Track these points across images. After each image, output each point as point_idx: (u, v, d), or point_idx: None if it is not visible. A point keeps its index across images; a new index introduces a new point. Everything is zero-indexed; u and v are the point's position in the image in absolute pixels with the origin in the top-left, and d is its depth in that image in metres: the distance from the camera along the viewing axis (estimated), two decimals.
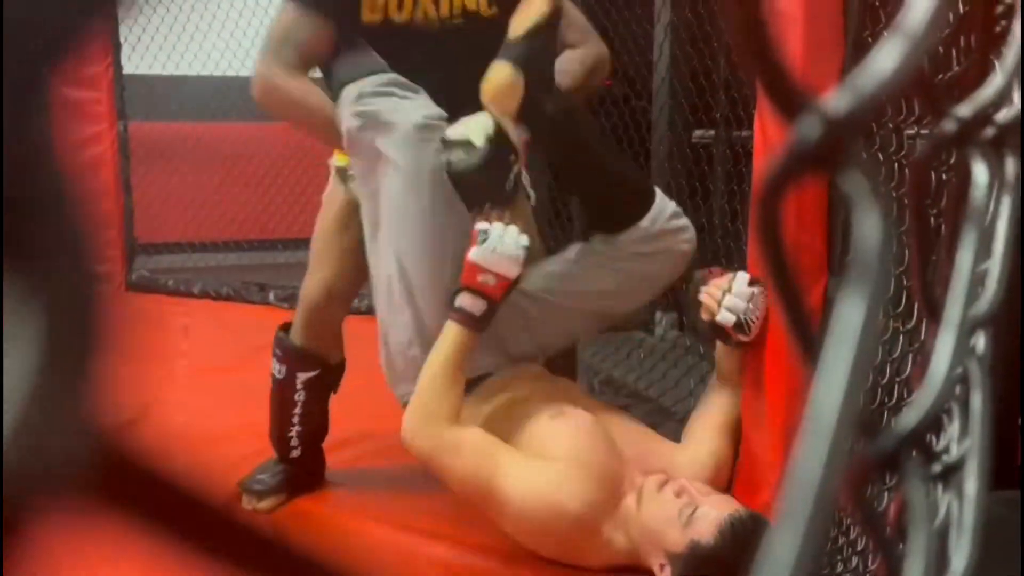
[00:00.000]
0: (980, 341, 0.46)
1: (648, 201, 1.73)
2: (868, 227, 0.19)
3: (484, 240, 1.55)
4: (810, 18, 1.49)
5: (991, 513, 1.80)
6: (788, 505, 0.17)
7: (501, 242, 1.55)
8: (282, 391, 1.84)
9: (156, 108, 4.43)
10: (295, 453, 1.85)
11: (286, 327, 1.89)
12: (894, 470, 0.34)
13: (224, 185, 4.50)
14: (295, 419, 1.84)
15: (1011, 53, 0.45)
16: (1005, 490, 2.03)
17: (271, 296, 3.55)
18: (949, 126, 0.32)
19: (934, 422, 0.36)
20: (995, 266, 0.47)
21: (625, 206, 1.72)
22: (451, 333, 1.56)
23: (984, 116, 0.34)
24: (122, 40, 4.09)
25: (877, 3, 1.60)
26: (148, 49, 4.51)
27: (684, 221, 1.78)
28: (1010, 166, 0.47)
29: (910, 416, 0.36)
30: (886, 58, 0.19)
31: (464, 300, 1.56)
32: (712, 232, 2.76)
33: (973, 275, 0.43)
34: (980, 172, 0.32)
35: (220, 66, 4.44)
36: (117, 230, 4.09)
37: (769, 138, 1.57)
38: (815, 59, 1.54)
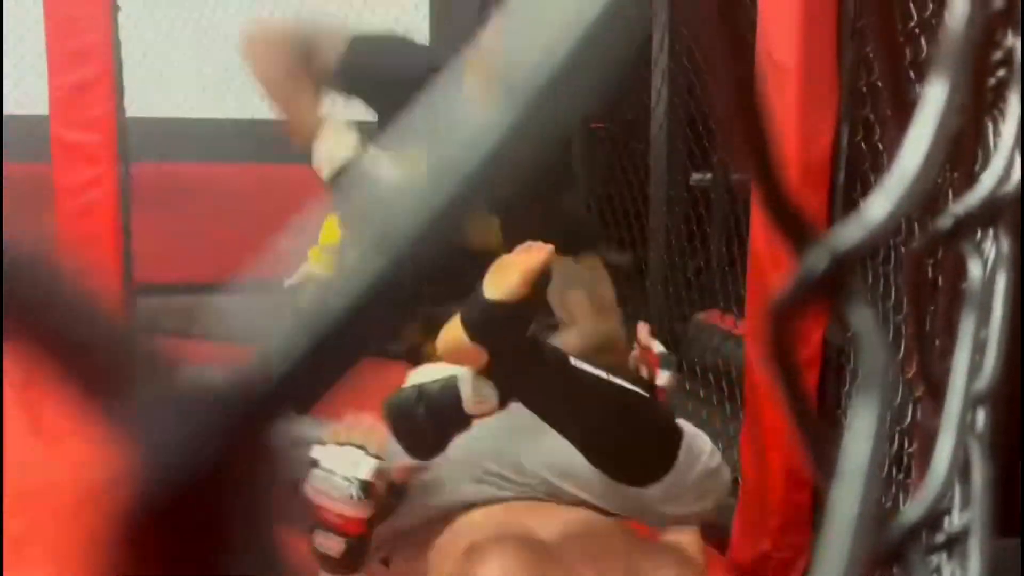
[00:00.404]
0: (980, 417, 0.46)
1: (670, 449, 1.37)
2: (872, 352, 0.20)
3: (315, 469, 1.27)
4: (806, 70, 1.51)
5: (997, 566, 1.78)
6: None
7: (329, 478, 1.26)
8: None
9: (159, 149, 4.46)
10: None
11: None
12: (898, 562, 0.34)
13: (226, 226, 4.52)
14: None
15: (1009, 124, 0.46)
16: (1007, 538, 2.03)
17: None
18: (944, 222, 0.32)
19: (938, 516, 0.37)
20: (992, 344, 0.47)
21: (639, 457, 1.38)
22: None
23: (981, 210, 0.34)
24: (125, 83, 4.13)
25: (871, 54, 1.63)
26: (152, 91, 4.55)
27: (718, 460, 1.46)
28: (1005, 245, 0.48)
29: (914, 511, 0.36)
30: (888, 197, 0.20)
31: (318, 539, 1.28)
32: (710, 275, 2.77)
33: (972, 361, 0.44)
34: (975, 266, 0.33)
35: (221, 108, 4.48)
36: (116, 272, 4.10)
37: None
38: (810, 109, 1.56)
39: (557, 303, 1.55)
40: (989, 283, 0.43)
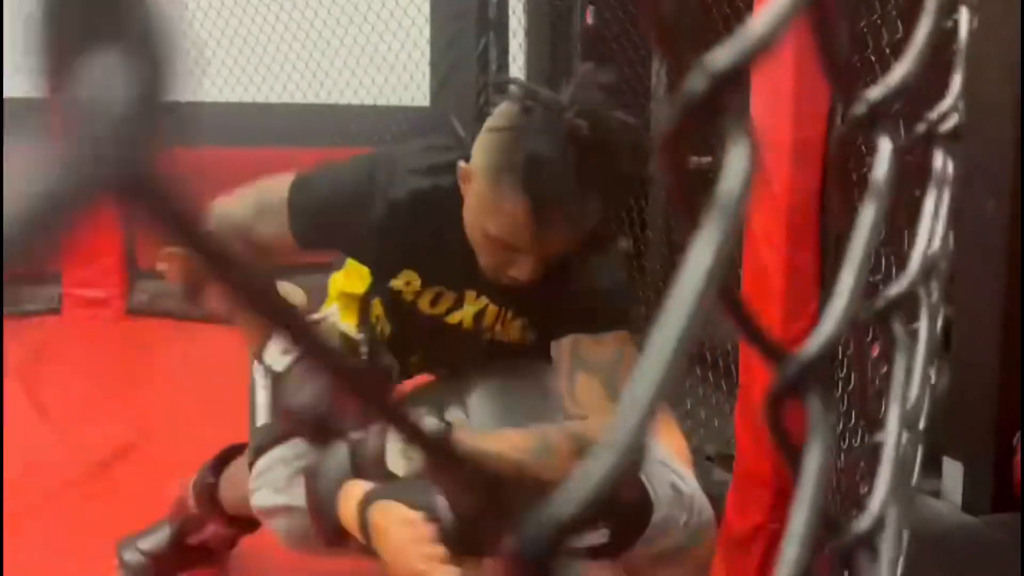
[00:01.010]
0: (904, 439, 0.49)
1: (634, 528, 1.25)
2: (735, 166, 0.21)
3: None
4: (800, 61, 1.53)
5: (991, 537, 1.80)
6: (615, 425, 0.19)
7: None
8: (193, 517, 1.57)
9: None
10: (189, 544, 1.61)
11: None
12: (850, 565, 0.39)
13: None
14: (205, 532, 1.59)
15: (924, 26, 0.46)
16: (1002, 513, 2.04)
17: None
18: (860, 109, 0.33)
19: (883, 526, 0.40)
20: (916, 381, 0.51)
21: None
22: None
23: (893, 98, 0.35)
24: None
25: (864, 30, 1.62)
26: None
27: (708, 515, 1.34)
28: (942, 162, 0.51)
29: (864, 521, 0.39)
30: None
31: None
32: None
33: (903, 397, 0.46)
34: (885, 147, 0.33)
35: (224, 92, 4.49)
36: (118, 256, 4.11)
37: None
38: (805, 97, 1.57)
39: (566, 389, 1.30)
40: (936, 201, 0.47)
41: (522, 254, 1.21)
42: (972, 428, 2.13)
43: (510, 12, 3.83)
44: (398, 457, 1.20)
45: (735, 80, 0.20)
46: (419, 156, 1.34)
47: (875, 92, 0.32)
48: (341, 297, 1.51)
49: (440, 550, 1.09)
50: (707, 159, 3.06)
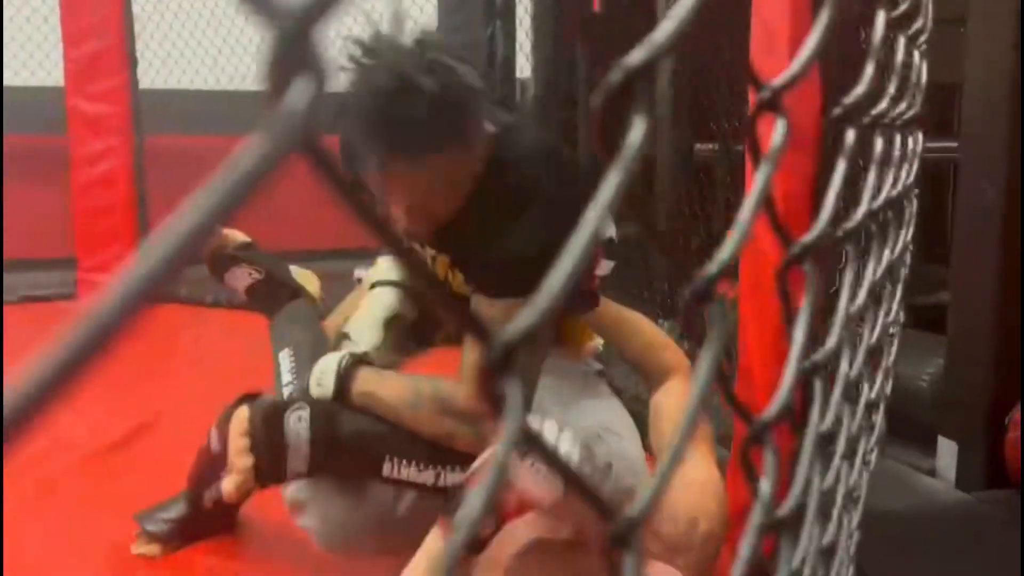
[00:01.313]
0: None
1: None
2: (634, 134, 0.25)
3: None
4: (794, 37, 1.57)
5: (991, 516, 1.85)
6: None
7: None
8: (212, 463, 1.60)
9: (172, 122, 4.52)
10: (206, 506, 1.67)
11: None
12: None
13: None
14: (215, 487, 1.61)
15: (821, 19, 0.50)
16: (995, 490, 2.09)
17: None
18: (765, 94, 0.38)
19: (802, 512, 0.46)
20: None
21: None
22: None
23: (791, 84, 0.41)
24: (139, 56, 4.18)
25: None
26: (164, 64, 4.61)
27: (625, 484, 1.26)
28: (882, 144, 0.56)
29: (785, 508, 0.45)
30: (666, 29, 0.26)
31: None
32: (711, 241, 2.81)
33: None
34: (781, 124, 0.38)
35: (234, 81, 4.53)
36: (131, 242, 4.17)
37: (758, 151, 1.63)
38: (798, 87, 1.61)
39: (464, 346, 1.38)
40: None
41: (396, 210, 1.28)
42: (966, 408, 2.17)
43: (517, 0, 3.87)
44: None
45: (644, 74, 0.25)
46: None
47: (779, 80, 0.37)
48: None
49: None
50: (711, 146, 3.10)
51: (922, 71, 0.96)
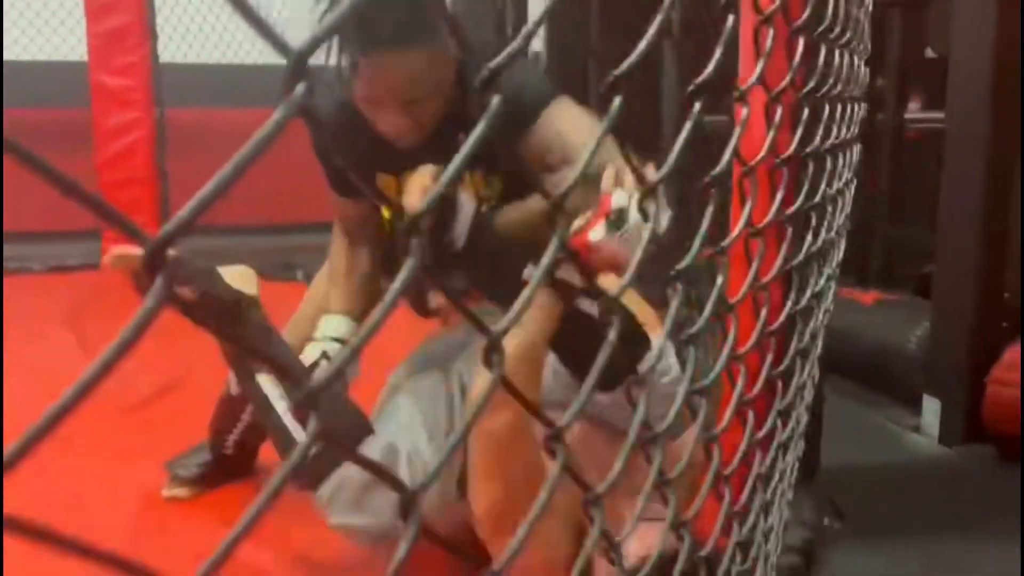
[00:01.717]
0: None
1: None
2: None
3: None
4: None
5: (969, 468, 1.99)
6: None
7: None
8: (231, 406, 1.77)
9: (192, 95, 4.63)
10: (227, 451, 1.83)
11: None
12: None
13: (259, 170, 4.68)
14: (236, 430, 1.80)
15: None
16: (976, 444, 2.20)
17: (298, 274, 3.79)
18: (609, 79, 0.49)
19: None
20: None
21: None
22: None
23: (630, 70, 0.51)
24: (159, 30, 4.29)
25: None
26: (184, 38, 4.71)
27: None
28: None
29: None
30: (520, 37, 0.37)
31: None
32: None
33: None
34: (616, 101, 0.49)
35: (252, 55, 4.62)
36: (153, 214, 4.29)
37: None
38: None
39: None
40: None
41: (385, 109, 1.37)
42: (949, 368, 2.27)
43: None
44: None
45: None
46: None
47: (622, 67, 0.48)
48: None
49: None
50: (721, 117, 3.18)
51: (841, 61, 1.11)
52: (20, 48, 4.64)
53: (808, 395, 1.57)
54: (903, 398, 2.50)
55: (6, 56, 4.51)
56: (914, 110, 3.42)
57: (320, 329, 1.65)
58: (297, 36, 0.30)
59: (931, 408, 2.32)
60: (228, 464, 1.85)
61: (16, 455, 0.23)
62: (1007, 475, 2.05)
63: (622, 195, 1.18)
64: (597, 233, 1.18)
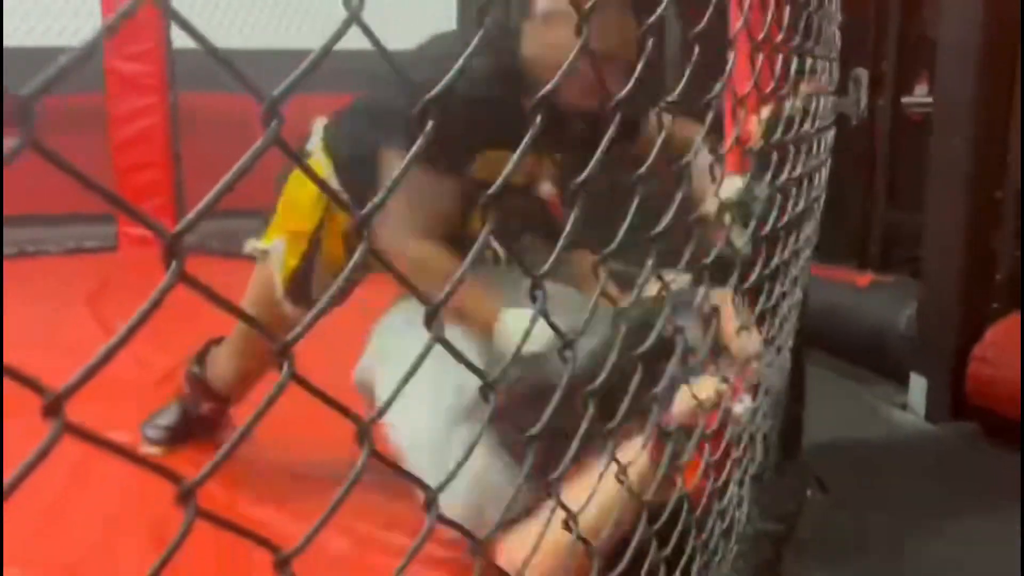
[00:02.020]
0: None
1: None
2: None
3: None
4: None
5: (951, 444, 2.09)
6: None
7: None
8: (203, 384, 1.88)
9: (204, 80, 4.70)
10: (201, 411, 1.89)
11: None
12: None
13: (272, 154, 4.75)
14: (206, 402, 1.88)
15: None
16: (957, 421, 2.27)
17: None
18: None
19: None
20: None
21: None
22: None
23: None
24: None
25: None
26: (196, 24, 4.77)
27: None
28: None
29: None
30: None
31: None
32: None
33: None
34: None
35: (263, 40, 4.68)
36: (168, 197, 4.38)
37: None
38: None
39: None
40: None
41: (608, 65, 1.18)
42: (935, 347, 2.34)
43: None
44: None
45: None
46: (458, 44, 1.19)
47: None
48: (288, 235, 1.64)
49: None
50: None
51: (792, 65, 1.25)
52: (37, 34, 4.72)
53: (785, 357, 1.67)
54: (893, 376, 2.57)
55: (21, 42, 4.61)
56: (921, 93, 3.46)
57: (513, 333, 1.36)
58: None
59: (918, 386, 2.40)
60: (194, 425, 1.90)
61: (68, 392, 0.32)
62: (987, 450, 2.13)
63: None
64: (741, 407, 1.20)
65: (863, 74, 3.55)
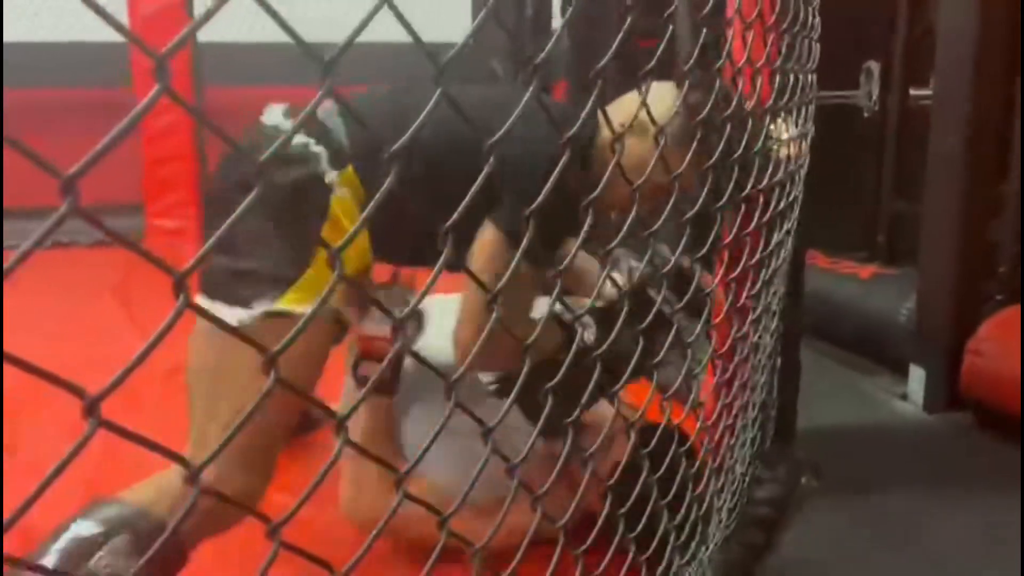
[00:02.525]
0: None
1: None
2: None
3: None
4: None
5: (942, 433, 2.17)
6: None
7: None
8: None
9: (229, 73, 4.81)
10: None
11: None
12: None
13: None
14: None
15: None
16: (956, 411, 2.33)
17: None
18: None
19: None
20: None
21: None
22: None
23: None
24: (196, 11, 4.46)
25: None
26: (221, 18, 4.88)
27: None
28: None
29: None
30: None
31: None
32: None
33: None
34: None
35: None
36: (191, 189, 4.50)
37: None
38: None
39: None
40: None
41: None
42: (933, 339, 2.39)
43: None
44: None
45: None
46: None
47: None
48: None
49: None
50: None
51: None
52: (65, 28, 4.85)
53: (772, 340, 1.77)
54: (893, 367, 2.63)
55: (51, 37, 4.74)
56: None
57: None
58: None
59: (917, 377, 2.45)
60: None
61: (112, 387, 0.40)
62: (979, 441, 2.18)
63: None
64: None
65: (875, 67, 3.59)
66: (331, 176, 1.33)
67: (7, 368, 0.42)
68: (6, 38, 4.80)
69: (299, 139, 1.34)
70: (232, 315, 1.26)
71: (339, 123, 1.38)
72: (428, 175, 1.12)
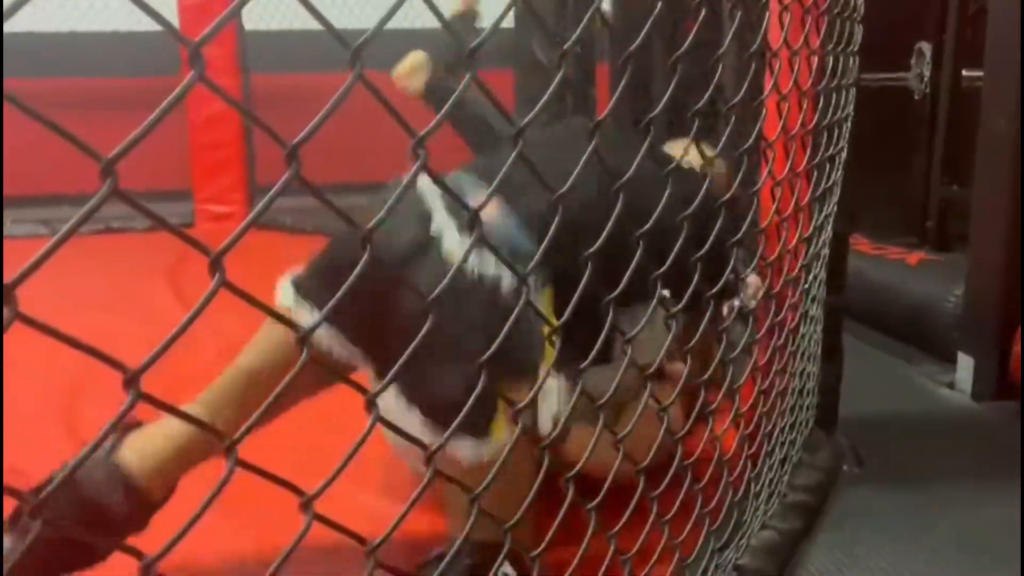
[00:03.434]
0: None
1: None
2: None
3: None
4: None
5: (989, 422, 2.14)
6: None
7: None
8: None
9: (275, 61, 4.88)
10: None
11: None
12: None
13: (337, 131, 4.91)
14: None
15: None
16: (1002, 400, 2.28)
17: None
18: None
19: None
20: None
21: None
22: None
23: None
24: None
25: None
26: (266, 8, 4.95)
27: None
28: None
29: None
30: None
31: None
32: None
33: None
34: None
35: (333, 21, 4.82)
36: (241, 173, 4.59)
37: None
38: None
39: None
40: None
41: None
42: (982, 326, 2.35)
43: None
44: None
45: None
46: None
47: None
48: None
49: None
50: None
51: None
52: (119, 19, 4.94)
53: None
54: (941, 355, 2.59)
55: (105, 27, 4.85)
56: None
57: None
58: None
59: (965, 365, 2.41)
60: None
61: (149, 362, 0.42)
62: None
63: None
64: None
65: (926, 47, 3.52)
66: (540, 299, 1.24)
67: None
68: (60, 28, 4.93)
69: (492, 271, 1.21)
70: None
71: (520, 236, 1.29)
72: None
